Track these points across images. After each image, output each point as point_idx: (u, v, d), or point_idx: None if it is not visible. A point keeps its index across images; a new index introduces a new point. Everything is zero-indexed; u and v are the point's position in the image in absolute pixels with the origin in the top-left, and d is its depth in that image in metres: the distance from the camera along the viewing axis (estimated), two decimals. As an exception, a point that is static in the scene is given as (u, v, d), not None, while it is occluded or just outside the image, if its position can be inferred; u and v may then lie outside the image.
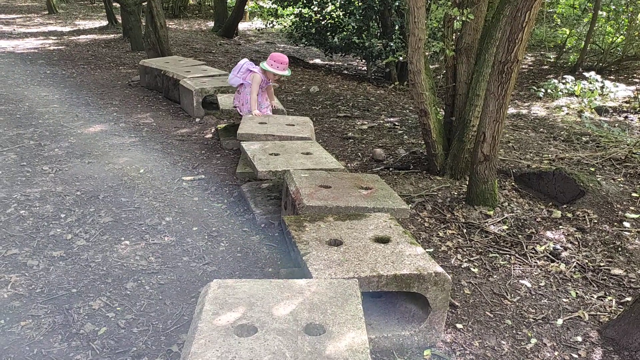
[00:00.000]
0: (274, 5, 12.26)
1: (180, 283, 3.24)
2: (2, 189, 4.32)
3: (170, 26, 15.29)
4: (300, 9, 11.12)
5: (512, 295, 3.38)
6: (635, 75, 11.05)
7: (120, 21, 13.76)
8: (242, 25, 16.19)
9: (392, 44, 9.35)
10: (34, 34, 13.38)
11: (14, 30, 13.88)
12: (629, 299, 3.37)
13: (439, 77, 10.54)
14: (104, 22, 15.46)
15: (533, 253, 3.88)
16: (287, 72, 5.49)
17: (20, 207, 4.03)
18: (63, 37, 13.14)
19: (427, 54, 5.35)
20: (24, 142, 5.41)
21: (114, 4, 14.38)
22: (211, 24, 16.66)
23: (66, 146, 5.41)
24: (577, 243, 4.03)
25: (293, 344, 2.04)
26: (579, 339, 2.99)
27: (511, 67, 3.87)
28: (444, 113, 5.47)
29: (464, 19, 4.61)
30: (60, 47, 11.52)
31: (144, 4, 11.20)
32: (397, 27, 9.70)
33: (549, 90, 9.18)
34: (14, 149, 5.20)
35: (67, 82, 8.26)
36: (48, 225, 3.81)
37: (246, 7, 16.21)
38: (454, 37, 5.06)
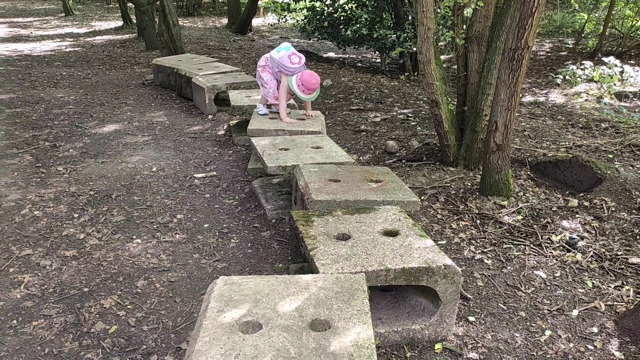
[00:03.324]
0: (287, 0, 12.22)
1: (190, 280, 3.25)
2: (17, 190, 4.38)
3: (184, 24, 15.37)
4: (312, 2, 11.06)
5: (526, 286, 3.32)
6: (656, 58, 10.78)
7: (135, 21, 13.86)
8: (255, 21, 16.20)
9: (404, 35, 9.25)
10: (51, 36, 13.56)
11: (31, 33, 14.08)
12: (648, 288, 3.29)
13: (454, 67, 10.41)
14: (119, 23, 15.61)
15: (548, 243, 3.81)
16: (312, 96, 4.98)
17: (35, 207, 4.08)
18: (79, 38, 13.30)
19: (440, 43, 5.28)
20: (39, 144, 5.48)
21: (129, 4, 14.48)
22: (225, 20, 16.70)
23: (80, 146, 5.46)
24: (594, 232, 3.95)
25: (298, 340, 2.03)
26: (595, 330, 2.93)
27: (522, 54, 3.79)
28: (456, 103, 5.40)
29: (474, 6, 4.53)
30: (77, 49, 11.65)
31: (157, 3, 11.27)
32: (410, 18, 9.60)
33: (567, 77, 9.00)
34: (29, 151, 5.27)
35: (82, 83, 8.35)
36: (61, 225, 3.84)
37: (259, 2, 16.20)
38: (464, 25, 4.97)
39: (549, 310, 3.09)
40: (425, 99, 7.99)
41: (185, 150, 5.48)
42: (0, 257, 3.39)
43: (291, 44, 5.21)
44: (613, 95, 8.01)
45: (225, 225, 3.95)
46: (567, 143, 5.64)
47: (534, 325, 2.96)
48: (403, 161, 5.30)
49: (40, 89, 7.83)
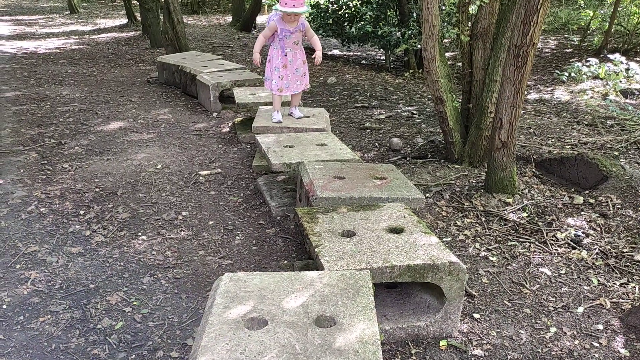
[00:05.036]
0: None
1: (195, 277, 3.26)
2: (24, 187, 4.40)
3: (189, 22, 15.38)
4: (317, -1, 11.07)
5: (532, 283, 3.31)
6: (662, 55, 10.72)
7: (139, 19, 13.88)
8: (260, 19, 16.16)
9: (409, 32, 9.23)
10: (56, 34, 13.59)
11: (37, 31, 14.12)
12: (654, 285, 3.29)
13: (459, 64, 10.39)
14: (124, 20, 15.62)
15: (553, 240, 3.80)
16: (300, 9, 4.56)
17: (41, 204, 4.10)
18: (84, 36, 13.32)
19: (445, 40, 5.27)
20: (45, 141, 5.50)
21: (133, 1, 14.49)
22: (229, 18, 16.71)
23: (86, 144, 5.48)
24: (599, 229, 3.94)
25: (303, 337, 2.03)
26: (600, 327, 2.92)
27: (527, 51, 3.77)
28: (461, 100, 5.39)
29: (479, 3, 4.51)
30: (82, 46, 11.68)
31: (161, 0, 11.28)
32: (414, 15, 9.58)
33: (572, 74, 8.94)
34: (35, 148, 5.29)
35: (87, 81, 8.37)
36: (67, 222, 3.86)
37: (263, 0, 16.18)
38: (469, 22, 4.96)
39: (554, 308, 3.08)
40: (430, 96, 7.98)
41: (190, 148, 5.50)
42: (7, 254, 3.41)
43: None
44: (619, 93, 7.98)
45: (230, 222, 3.96)
46: (572, 140, 5.62)
47: (539, 322, 2.96)
48: (408, 158, 5.30)
49: (46, 87, 7.86)
